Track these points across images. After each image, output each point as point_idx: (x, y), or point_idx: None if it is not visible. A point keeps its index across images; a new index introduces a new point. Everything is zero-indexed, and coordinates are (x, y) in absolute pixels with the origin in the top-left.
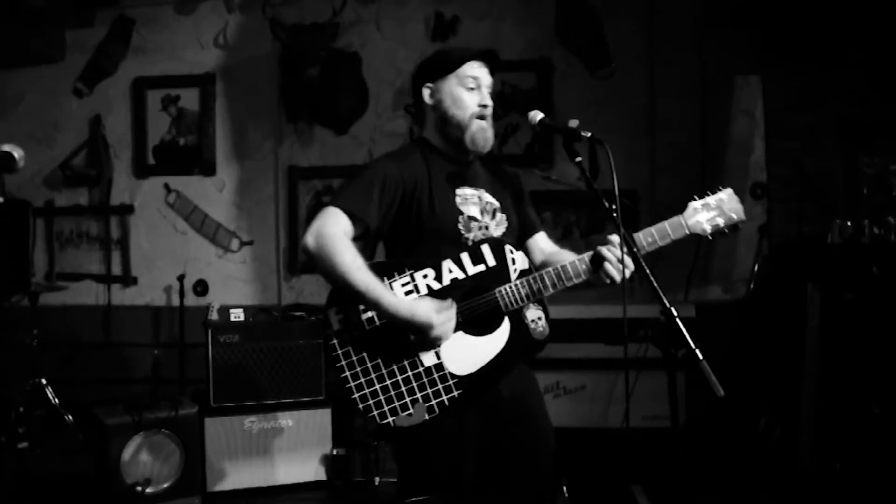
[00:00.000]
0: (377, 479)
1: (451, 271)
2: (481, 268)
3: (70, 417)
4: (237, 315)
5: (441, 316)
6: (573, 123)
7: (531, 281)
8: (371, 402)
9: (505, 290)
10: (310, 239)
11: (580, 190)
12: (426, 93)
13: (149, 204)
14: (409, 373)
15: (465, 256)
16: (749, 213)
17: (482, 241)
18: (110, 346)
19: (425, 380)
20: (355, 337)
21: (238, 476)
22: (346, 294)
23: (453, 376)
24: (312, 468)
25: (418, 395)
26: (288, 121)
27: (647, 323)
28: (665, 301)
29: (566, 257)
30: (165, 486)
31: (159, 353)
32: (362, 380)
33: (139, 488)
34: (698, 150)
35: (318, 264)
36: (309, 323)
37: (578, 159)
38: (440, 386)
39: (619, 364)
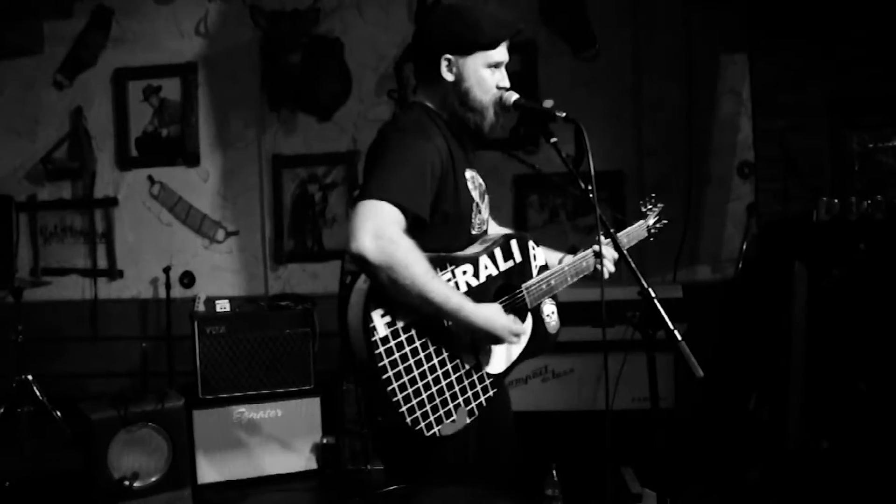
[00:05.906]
0: (367, 467)
1: (486, 267)
2: (510, 263)
3: (58, 413)
4: (223, 306)
5: (516, 326)
6: (548, 104)
7: (551, 277)
8: (418, 413)
9: (531, 286)
10: (368, 243)
11: (562, 173)
12: (444, 65)
13: (133, 196)
14: (452, 377)
15: (497, 251)
16: (737, 192)
17: (510, 236)
18: (98, 341)
19: (465, 382)
20: (403, 343)
21: (229, 467)
22: (415, 304)
23: (489, 376)
24: (303, 457)
25: (460, 398)
26: (271, 109)
27: (634, 305)
28: (643, 282)
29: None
30: (154, 479)
31: (147, 346)
32: (409, 390)
33: (127, 482)
34: (685, 130)
35: (383, 273)
36: (295, 312)
37: (554, 140)
38: (479, 387)
39: (607, 346)
